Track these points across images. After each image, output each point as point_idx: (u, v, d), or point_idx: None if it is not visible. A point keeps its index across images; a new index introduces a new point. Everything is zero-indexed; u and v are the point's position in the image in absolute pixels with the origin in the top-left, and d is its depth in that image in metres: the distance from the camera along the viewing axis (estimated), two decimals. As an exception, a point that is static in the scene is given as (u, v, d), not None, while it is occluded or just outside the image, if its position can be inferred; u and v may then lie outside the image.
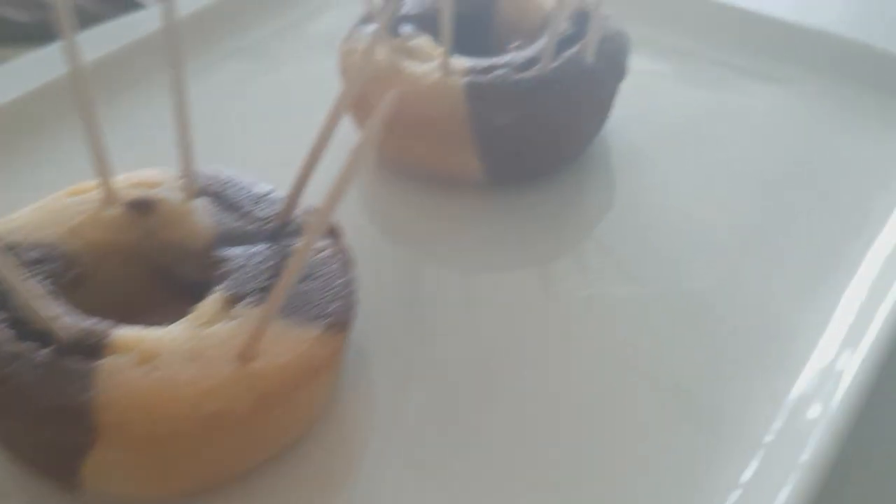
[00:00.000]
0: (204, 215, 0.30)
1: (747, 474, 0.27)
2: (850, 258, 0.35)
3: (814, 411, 0.29)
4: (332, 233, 0.31)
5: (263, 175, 0.32)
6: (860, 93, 0.44)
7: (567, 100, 0.36)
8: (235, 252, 0.28)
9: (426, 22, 0.39)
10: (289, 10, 0.51)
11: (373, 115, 0.24)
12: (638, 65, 0.42)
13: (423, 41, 0.38)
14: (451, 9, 0.34)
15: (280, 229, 0.30)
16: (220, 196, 0.31)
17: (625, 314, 0.33)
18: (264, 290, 0.27)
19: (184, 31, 0.44)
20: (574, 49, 0.36)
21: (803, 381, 0.30)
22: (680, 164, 0.40)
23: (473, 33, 0.41)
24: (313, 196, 0.35)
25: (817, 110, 0.43)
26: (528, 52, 0.36)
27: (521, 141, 0.36)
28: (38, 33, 1.49)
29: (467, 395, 0.30)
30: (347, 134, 0.38)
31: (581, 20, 0.38)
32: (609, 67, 0.37)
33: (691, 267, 0.35)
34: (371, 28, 0.39)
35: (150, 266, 0.30)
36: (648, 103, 0.43)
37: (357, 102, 0.37)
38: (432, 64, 0.36)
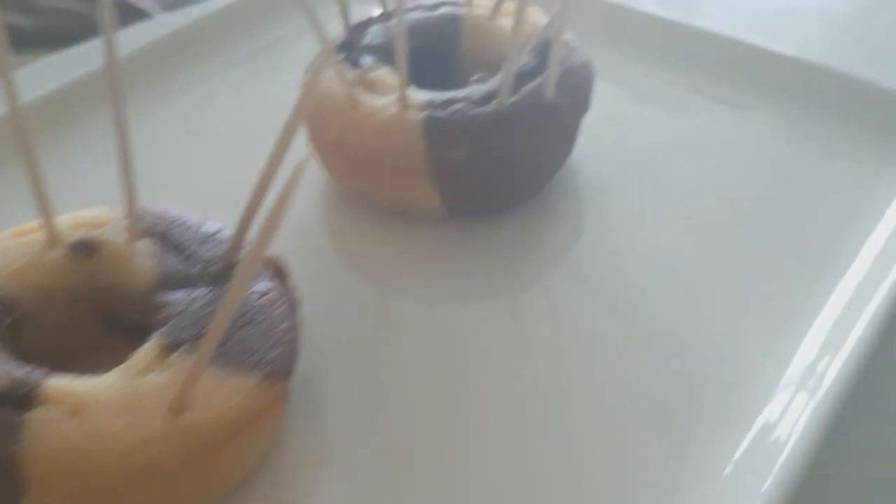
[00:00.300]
0: (146, 258, 0.29)
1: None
2: (818, 291, 0.35)
3: (780, 437, 0.29)
4: (278, 273, 0.30)
5: (220, 211, 0.31)
6: (831, 121, 0.43)
7: (526, 135, 0.35)
8: (176, 297, 0.28)
9: (388, 53, 0.38)
10: (248, 40, 0.51)
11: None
12: (605, 92, 0.41)
13: (383, 73, 0.37)
14: (405, 42, 0.34)
15: (225, 271, 0.29)
16: (165, 236, 0.30)
17: (591, 346, 0.33)
18: (202, 338, 0.26)
19: (136, 61, 0.45)
20: (535, 83, 0.36)
21: (768, 414, 0.30)
22: (647, 194, 0.39)
23: (439, 64, 0.40)
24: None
25: (787, 138, 0.43)
26: (488, 86, 0.36)
27: (480, 176, 0.35)
28: (41, 39, 1.49)
29: (428, 436, 0.30)
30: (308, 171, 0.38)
31: (545, 51, 0.38)
32: (571, 101, 0.37)
33: (658, 299, 0.35)
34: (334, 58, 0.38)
35: (94, 308, 0.30)
36: (616, 132, 0.43)
37: (315, 136, 0.37)
38: (391, 97, 0.36)
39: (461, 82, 0.39)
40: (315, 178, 0.39)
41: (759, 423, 0.30)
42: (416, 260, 0.37)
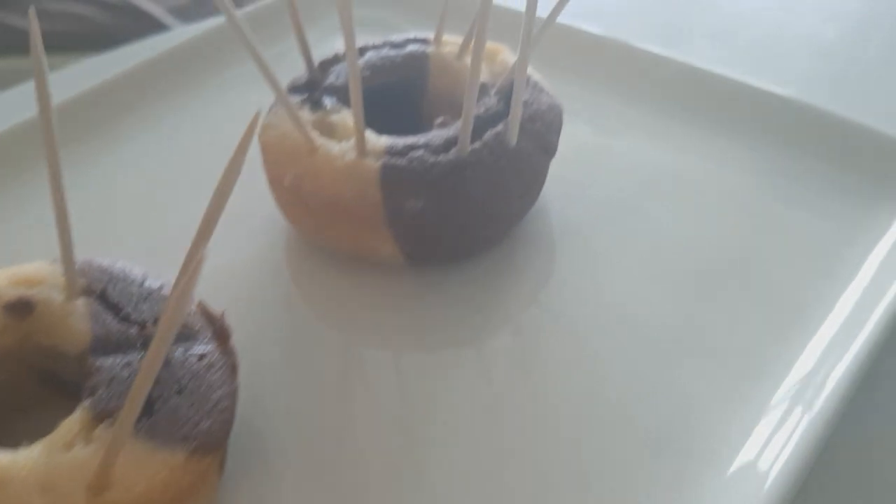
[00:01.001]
0: (82, 319, 0.28)
1: None
2: (793, 342, 0.33)
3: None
4: (219, 333, 0.29)
5: (168, 262, 0.30)
6: (813, 162, 0.41)
7: (486, 184, 0.34)
8: (108, 362, 0.27)
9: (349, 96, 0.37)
10: (201, 80, 0.49)
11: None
12: (578, 128, 0.40)
13: (344, 116, 0.36)
14: (359, 87, 0.33)
15: (164, 332, 0.28)
16: (105, 294, 0.29)
17: (558, 395, 0.32)
18: (129, 409, 0.26)
19: (79, 106, 0.44)
20: (497, 128, 0.35)
21: (738, 465, 0.29)
22: (618, 238, 0.38)
23: (407, 103, 0.39)
24: (215, 291, 0.34)
25: (766, 179, 0.41)
26: (449, 131, 0.35)
27: (438, 226, 0.34)
28: (50, 44, 1.49)
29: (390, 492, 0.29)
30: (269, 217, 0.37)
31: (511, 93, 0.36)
32: (536, 147, 0.35)
33: (626, 350, 0.34)
34: (295, 99, 0.37)
35: (31, 367, 0.29)
36: (588, 170, 0.41)
37: (272, 181, 0.36)
38: (350, 142, 0.35)
39: (429, 123, 0.37)
40: (275, 222, 0.38)
41: (730, 471, 0.29)
42: (378, 306, 0.36)
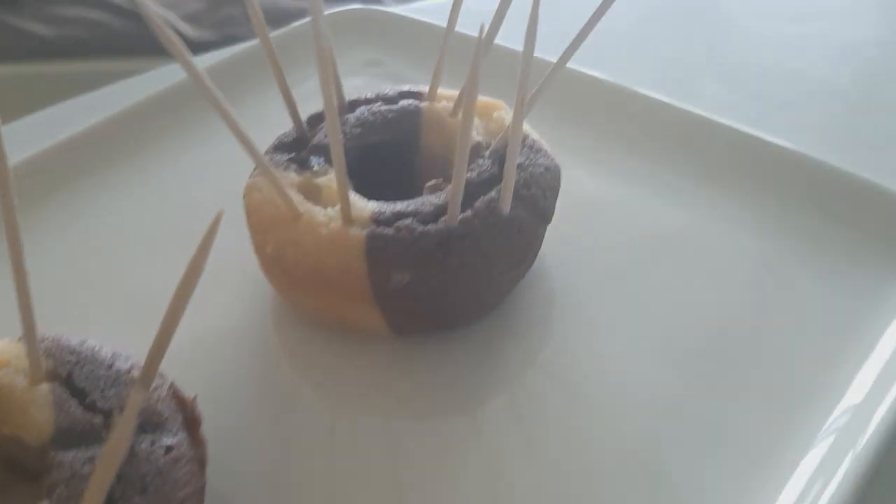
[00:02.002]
0: (45, 408, 0.27)
1: None
2: (804, 425, 0.31)
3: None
4: (190, 423, 0.28)
5: (143, 332, 0.29)
6: (828, 223, 0.39)
7: (477, 256, 0.32)
8: (69, 457, 0.26)
9: (340, 153, 0.36)
10: (180, 131, 0.46)
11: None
12: (575, 182, 0.38)
13: (332, 178, 0.34)
14: (341, 151, 0.31)
15: (130, 421, 0.27)
16: (71, 378, 0.28)
17: (553, 469, 0.31)
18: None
19: (46, 163, 0.42)
20: (490, 194, 0.33)
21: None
22: (618, 306, 0.36)
23: (400, 160, 0.38)
24: (193, 358, 0.33)
25: (776, 242, 0.39)
26: (440, 197, 0.33)
27: (426, 299, 0.33)
28: (63, 49, 1.49)
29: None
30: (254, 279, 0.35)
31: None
32: (531, 215, 0.34)
33: (625, 426, 0.32)
34: (281, 158, 0.36)
35: (-5, 453, 0.28)
36: (588, 229, 0.39)
37: (257, 247, 0.34)
38: (337, 208, 0.33)
39: (420, 182, 0.36)
40: (260, 285, 0.36)
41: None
42: (368, 375, 0.34)
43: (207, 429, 0.29)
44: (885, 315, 0.35)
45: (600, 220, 0.40)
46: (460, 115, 0.36)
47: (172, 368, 0.29)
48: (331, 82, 0.30)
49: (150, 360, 0.26)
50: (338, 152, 0.31)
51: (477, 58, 0.28)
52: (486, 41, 0.30)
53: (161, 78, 0.48)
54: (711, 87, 0.50)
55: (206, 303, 0.35)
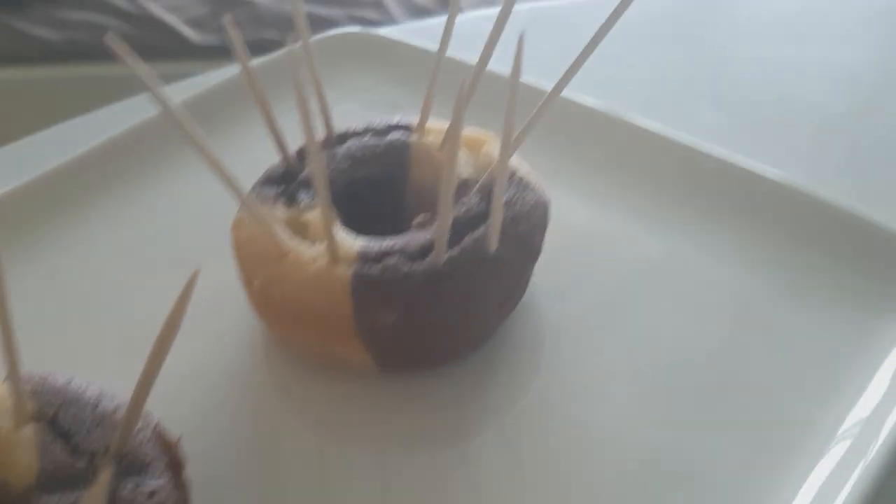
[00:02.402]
0: (29, 450, 0.27)
1: None
2: (795, 470, 0.31)
3: None
4: (173, 465, 0.28)
5: (131, 369, 0.29)
6: (821, 259, 0.39)
7: (464, 295, 0.32)
8: (52, 501, 0.26)
9: (329, 188, 0.36)
10: (177, 163, 0.44)
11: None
12: (566, 212, 0.38)
13: (319, 214, 0.35)
14: (326, 187, 0.31)
15: (115, 465, 0.27)
16: (55, 420, 0.28)
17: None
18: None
19: (30, 195, 0.42)
20: (478, 232, 0.33)
21: None
22: (607, 341, 0.36)
23: (390, 194, 0.38)
24: (179, 393, 0.33)
25: (766, 278, 0.38)
26: (427, 234, 0.33)
27: (412, 338, 0.33)
28: (69, 53, 1.49)
29: None
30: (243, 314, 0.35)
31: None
32: (519, 252, 0.34)
33: (607, 467, 0.32)
34: (270, 192, 0.36)
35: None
36: (576, 263, 0.39)
37: (244, 282, 0.35)
38: (324, 244, 0.33)
39: (411, 217, 0.36)
40: (248, 320, 0.36)
41: None
42: (356, 411, 0.34)
43: (193, 466, 0.29)
44: (876, 353, 0.35)
45: (590, 251, 0.40)
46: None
47: (159, 403, 0.30)
48: (309, 123, 0.30)
49: (132, 409, 0.26)
50: (323, 192, 0.31)
51: (458, 111, 0.28)
52: (469, 90, 0.30)
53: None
54: (706, 112, 0.50)
55: (196, 335, 0.35)
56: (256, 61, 0.50)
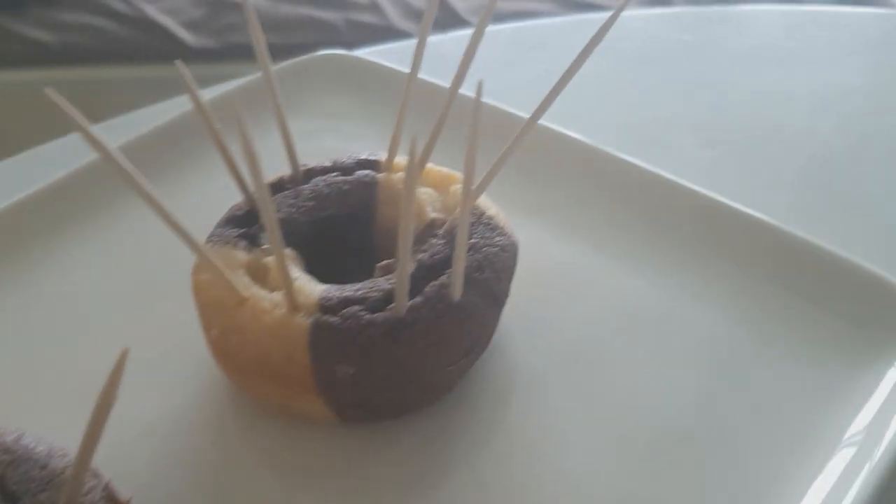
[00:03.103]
0: (-30, 517, 0.26)
1: None
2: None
3: None
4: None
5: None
6: (802, 302, 0.37)
7: (425, 345, 0.31)
8: (-8, 573, 0.25)
9: (292, 228, 0.35)
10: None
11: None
12: (537, 248, 0.37)
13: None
14: (278, 234, 0.30)
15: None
16: (3, 481, 0.27)
17: None
18: None
19: None
20: (440, 280, 0.32)
21: None
22: (577, 391, 0.35)
23: (358, 232, 0.37)
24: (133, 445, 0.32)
25: (744, 323, 0.37)
26: (389, 282, 0.32)
27: (372, 391, 0.32)
28: (64, 55, 1.48)
29: None
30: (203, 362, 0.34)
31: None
32: (484, 299, 0.33)
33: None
34: (232, 233, 0.35)
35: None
36: (547, 304, 0.38)
37: (205, 329, 0.34)
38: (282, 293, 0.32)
39: (379, 257, 0.35)
40: (209, 368, 0.35)
41: None
42: (319, 463, 0.33)
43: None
44: (853, 401, 0.34)
45: (564, 293, 0.39)
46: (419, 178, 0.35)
47: (114, 459, 0.29)
48: (257, 167, 0.29)
49: (76, 472, 0.26)
50: (276, 241, 0.30)
51: (412, 159, 0.27)
52: (435, 132, 0.29)
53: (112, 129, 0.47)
54: (688, 140, 0.49)
55: (155, 384, 0.35)
56: (217, 89, 0.49)
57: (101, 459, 0.29)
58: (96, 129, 0.53)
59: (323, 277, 0.34)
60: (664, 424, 0.34)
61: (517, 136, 0.32)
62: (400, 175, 0.37)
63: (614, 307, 0.38)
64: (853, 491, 0.30)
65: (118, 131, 0.45)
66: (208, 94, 0.49)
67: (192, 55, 1.37)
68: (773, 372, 0.35)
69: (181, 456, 0.33)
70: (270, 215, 0.29)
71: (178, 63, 0.32)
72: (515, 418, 0.34)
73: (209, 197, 0.38)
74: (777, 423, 0.34)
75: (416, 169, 0.27)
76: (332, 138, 0.47)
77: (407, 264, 0.30)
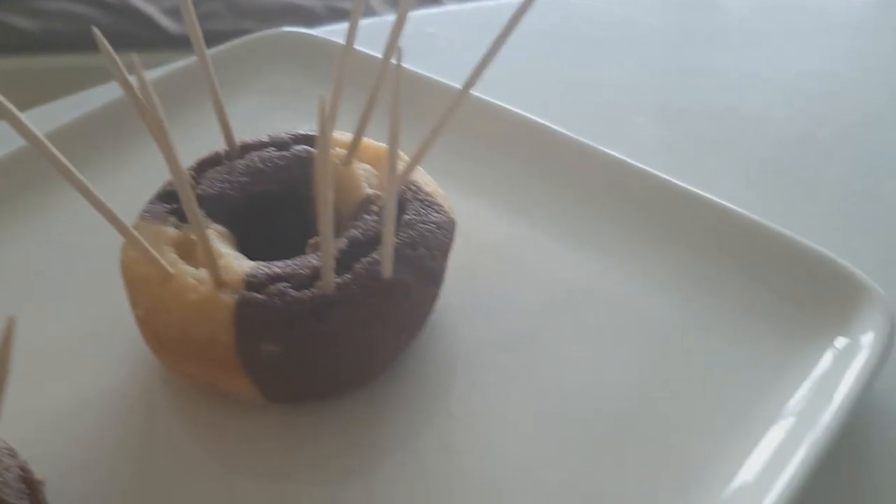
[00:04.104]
0: None
1: None
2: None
3: None
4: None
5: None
6: (748, 283, 0.36)
7: (354, 324, 0.30)
8: None
9: (224, 205, 0.34)
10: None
11: None
12: (482, 223, 0.37)
13: (212, 234, 0.33)
14: (197, 212, 0.29)
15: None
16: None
17: None
18: None
19: None
20: (373, 255, 0.31)
21: None
22: (516, 373, 0.34)
23: (295, 210, 0.36)
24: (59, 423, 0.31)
25: (692, 301, 0.36)
26: (319, 260, 0.31)
27: (299, 370, 0.31)
28: (45, 42, 1.47)
29: None
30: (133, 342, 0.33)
31: (401, 208, 0.33)
32: (417, 278, 0.32)
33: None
34: (162, 209, 0.34)
35: None
36: (488, 283, 0.37)
37: (133, 310, 0.33)
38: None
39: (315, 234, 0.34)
40: (139, 348, 0.34)
41: None
42: (254, 444, 0.32)
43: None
44: (793, 379, 0.33)
45: (506, 271, 0.38)
46: (352, 165, 0.35)
47: (36, 439, 0.29)
48: (168, 144, 0.28)
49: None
50: (195, 216, 0.29)
51: (323, 129, 0.26)
52: (369, 105, 0.28)
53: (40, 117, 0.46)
54: (643, 123, 0.47)
55: (83, 365, 0.34)
56: (161, 70, 0.48)
57: (23, 440, 0.28)
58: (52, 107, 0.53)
59: (261, 255, 0.33)
60: (604, 404, 0.33)
61: (449, 109, 0.31)
62: (338, 150, 0.36)
63: (556, 286, 0.37)
64: (791, 466, 0.30)
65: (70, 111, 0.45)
66: (152, 74, 0.48)
67: (173, 42, 1.36)
68: (716, 350, 0.35)
69: (110, 435, 0.33)
70: (186, 189, 0.28)
71: (93, 29, 0.31)
72: (452, 399, 0.34)
73: (153, 175, 0.37)
74: (719, 401, 0.33)
75: (327, 131, 0.26)
76: (282, 115, 0.46)
77: (330, 238, 0.29)
